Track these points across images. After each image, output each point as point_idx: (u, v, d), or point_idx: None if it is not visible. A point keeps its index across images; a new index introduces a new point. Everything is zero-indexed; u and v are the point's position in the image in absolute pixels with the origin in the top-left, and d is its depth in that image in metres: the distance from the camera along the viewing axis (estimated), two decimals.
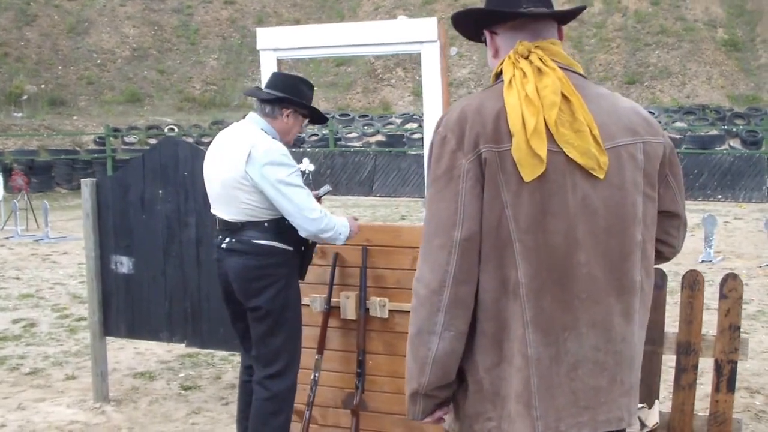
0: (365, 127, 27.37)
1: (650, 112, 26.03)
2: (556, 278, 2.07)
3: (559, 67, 2.16)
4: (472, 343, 2.15)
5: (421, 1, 36.80)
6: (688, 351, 4.32)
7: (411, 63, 33.04)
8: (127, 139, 28.37)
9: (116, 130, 28.13)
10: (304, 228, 3.98)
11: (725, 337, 4.24)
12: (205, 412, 5.71)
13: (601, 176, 2.08)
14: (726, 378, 4.25)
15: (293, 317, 4.20)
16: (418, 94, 32.24)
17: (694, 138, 23.78)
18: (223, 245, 4.09)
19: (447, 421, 2.29)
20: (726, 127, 24.37)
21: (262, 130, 4.10)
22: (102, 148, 27.02)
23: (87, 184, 5.78)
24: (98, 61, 34.28)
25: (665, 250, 2.38)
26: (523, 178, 2.04)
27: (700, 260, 11.51)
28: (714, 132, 24.21)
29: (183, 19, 37.50)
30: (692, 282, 4.30)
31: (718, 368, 4.28)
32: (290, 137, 4.23)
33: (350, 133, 27.20)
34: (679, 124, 25.18)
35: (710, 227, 11.82)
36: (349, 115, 29.67)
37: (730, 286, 4.22)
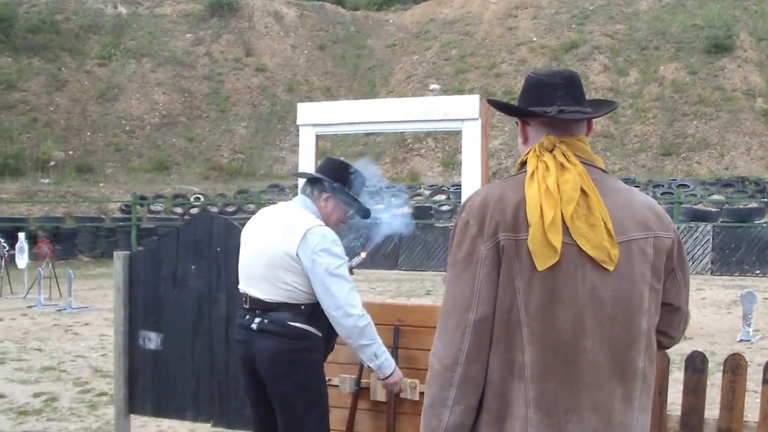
0: (392, 199, 27.10)
1: (685, 184, 25.04)
2: (561, 363, 2.18)
3: (581, 162, 2.30)
4: (477, 418, 2.26)
5: (454, 71, 36.55)
6: None
7: (442, 133, 32.88)
8: (153, 208, 28.41)
9: (143, 198, 28.12)
10: (340, 323, 3.86)
11: None
12: None
13: (611, 269, 2.20)
14: None
15: (322, 403, 4.06)
16: (447, 164, 32.04)
17: (732, 211, 23.14)
18: (253, 326, 3.95)
19: None
20: (766, 199, 23.76)
21: (312, 213, 4.05)
22: (127, 216, 27.09)
23: (120, 257, 5.64)
24: (127, 128, 34.47)
25: (665, 340, 2.49)
26: (536, 266, 2.17)
27: (739, 339, 11.07)
28: (753, 204, 23.53)
29: (213, 86, 37.63)
30: (734, 366, 4.15)
31: None
32: (331, 223, 4.11)
33: (377, 204, 26.99)
34: (716, 197, 24.59)
35: (749, 305, 11.35)
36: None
37: None
